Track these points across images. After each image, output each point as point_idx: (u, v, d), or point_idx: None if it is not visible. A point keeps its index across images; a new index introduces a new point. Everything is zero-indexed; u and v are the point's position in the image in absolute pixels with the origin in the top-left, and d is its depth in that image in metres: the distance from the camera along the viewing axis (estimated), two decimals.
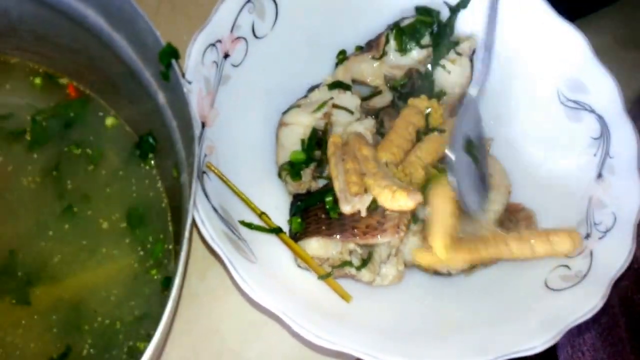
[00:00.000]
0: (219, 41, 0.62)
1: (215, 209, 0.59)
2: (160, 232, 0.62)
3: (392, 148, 0.63)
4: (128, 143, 0.65)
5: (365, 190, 0.60)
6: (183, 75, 0.53)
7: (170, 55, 0.53)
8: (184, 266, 0.49)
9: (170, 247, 0.61)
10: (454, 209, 0.61)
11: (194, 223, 0.55)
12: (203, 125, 0.61)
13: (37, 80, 0.66)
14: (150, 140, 0.62)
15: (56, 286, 0.59)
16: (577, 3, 0.78)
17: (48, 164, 0.63)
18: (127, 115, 0.65)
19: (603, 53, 0.64)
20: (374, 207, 0.60)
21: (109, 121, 0.65)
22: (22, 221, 0.61)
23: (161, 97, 0.57)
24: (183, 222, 0.50)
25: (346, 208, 0.59)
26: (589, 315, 0.55)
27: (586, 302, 0.56)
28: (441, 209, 0.61)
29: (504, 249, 0.60)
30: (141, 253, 0.61)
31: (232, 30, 0.63)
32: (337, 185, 0.60)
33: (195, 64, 0.59)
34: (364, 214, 0.59)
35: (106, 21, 0.57)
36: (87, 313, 0.59)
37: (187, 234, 0.49)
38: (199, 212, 0.55)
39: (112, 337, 0.58)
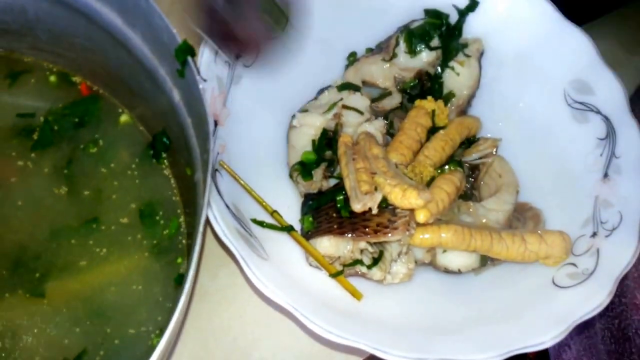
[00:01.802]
0: None
1: (228, 207, 0.59)
2: (173, 229, 0.62)
3: (401, 149, 0.64)
4: (141, 141, 0.65)
5: (376, 189, 0.61)
6: (198, 72, 0.54)
7: (186, 52, 0.53)
8: (197, 261, 0.49)
9: (184, 241, 0.62)
10: (453, 192, 0.62)
11: (207, 220, 0.56)
12: (215, 123, 0.62)
13: (52, 79, 0.67)
14: (164, 139, 0.63)
15: (70, 281, 0.60)
16: (582, 8, 0.79)
17: (60, 161, 0.64)
18: (140, 113, 0.66)
19: (608, 57, 0.66)
20: (384, 205, 0.61)
21: (123, 119, 0.66)
22: (34, 217, 0.61)
23: (176, 95, 0.58)
24: (197, 216, 0.50)
25: (357, 206, 0.60)
26: (597, 312, 0.56)
27: (593, 298, 0.57)
28: (440, 184, 0.62)
29: (497, 241, 0.61)
30: (154, 249, 0.61)
31: None
32: (348, 184, 0.61)
33: (207, 63, 0.60)
34: (375, 211, 0.60)
35: (121, 18, 0.57)
36: (100, 308, 0.59)
37: (201, 228, 0.49)
38: (212, 209, 0.56)
39: (125, 333, 0.59)
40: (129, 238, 0.62)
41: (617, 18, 0.84)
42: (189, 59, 0.53)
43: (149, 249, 0.61)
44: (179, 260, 0.61)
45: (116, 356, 0.57)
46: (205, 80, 0.58)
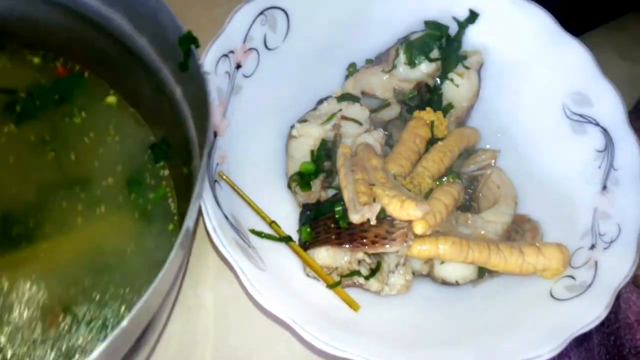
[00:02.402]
0: (232, 52, 0.63)
1: (226, 217, 0.59)
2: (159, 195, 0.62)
3: (400, 160, 0.64)
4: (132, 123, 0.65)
5: (374, 200, 0.61)
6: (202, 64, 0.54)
7: (189, 41, 0.54)
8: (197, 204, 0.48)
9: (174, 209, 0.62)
10: (452, 204, 0.62)
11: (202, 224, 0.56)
12: (215, 134, 0.62)
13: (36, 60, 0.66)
14: (164, 146, 0.63)
15: (60, 240, 0.60)
16: (581, 18, 0.79)
17: (45, 131, 0.63)
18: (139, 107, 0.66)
19: (607, 67, 0.66)
20: (382, 216, 0.61)
21: (110, 99, 0.66)
22: (23, 178, 0.61)
23: (178, 91, 0.58)
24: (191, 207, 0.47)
25: (355, 217, 0.60)
26: (594, 324, 0.56)
27: (590, 311, 0.57)
28: (439, 196, 0.62)
29: (495, 253, 0.61)
30: (141, 209, 0.61)
31: (244, 42, 0.64)
32: (347, 195, 0.61)
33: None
34: (373, 222, 0.60)
35: (129, 21, 0.58)
36: (91, 266, 0.59)
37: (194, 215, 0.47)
38: (211, 221, 0.56)
39: (112, 292, 0.58)
40: (120, 198, 0.61)
41: (616, 27, 0.84)
42: (193, 48, 0.53)
43: (138, 206, 0.61)
44: (171, 227, 0.61)
45: (105, 312, 0.57)
46: (209, 73, 0.58)
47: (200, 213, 0.57)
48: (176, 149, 0.60)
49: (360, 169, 0.63)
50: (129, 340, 0.45)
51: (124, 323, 0.40)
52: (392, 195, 0.60)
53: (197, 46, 0.54)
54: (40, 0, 0.61)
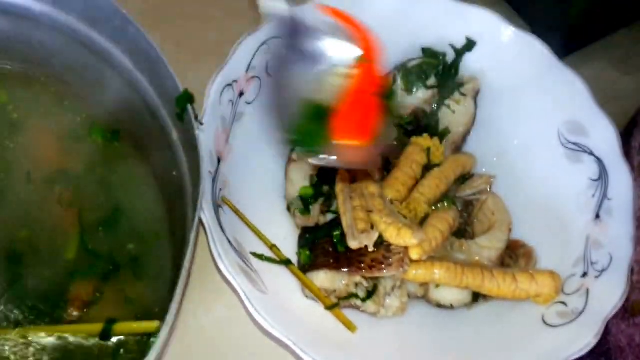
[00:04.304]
0: (235, 81, 0.65)
1: (230, 242, 0.61)
2: None
3: (397, 185, 0.66)
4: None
5: (372, 227, 0.63)
6: (196, 117, 0.57)
7: (186, 100, 0.57)
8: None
9: None
10: (447, 230, 0.64)
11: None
12: (219, 160, 0.64)
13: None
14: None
15: None
16: (577, 34, 0.80)
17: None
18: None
19: (603, 81, 0.67)
20: (379, 241, 0.63)
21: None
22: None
23: (175, 134, 0.61)
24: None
25: (354, 244, 0.62)
26: (584, 352, 0.58)
27: (581, 339, 0.58)
28: (434, 223, 0.64)
29: (489, 279, 0.62)
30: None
31: (247, 70, 0.66)
32: (345, 222, 0.63)
33: (213, 104, 0.62)
34: (371, 249, 0.62)
35: (132, 62, 0.61)
36: None
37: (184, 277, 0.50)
38: (217, 247, 0.58)
39: None
40: None
41: (610, 43, 0.85)
42: (188, 107, 0.56)
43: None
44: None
45: None
46: (202, 124, 0.60)
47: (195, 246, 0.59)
48: (173, 189, 0.62)
49: (358, 196, 0.64)
50: None
51: None
52: (390, 223, 0.61)
53: (193, 103, 0.56)
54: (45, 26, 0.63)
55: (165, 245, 0.63)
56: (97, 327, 0.57)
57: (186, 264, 0.50)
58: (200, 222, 0.59)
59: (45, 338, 0.57)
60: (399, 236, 0.61)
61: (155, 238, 0.63)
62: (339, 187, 0.66)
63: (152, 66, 0.58)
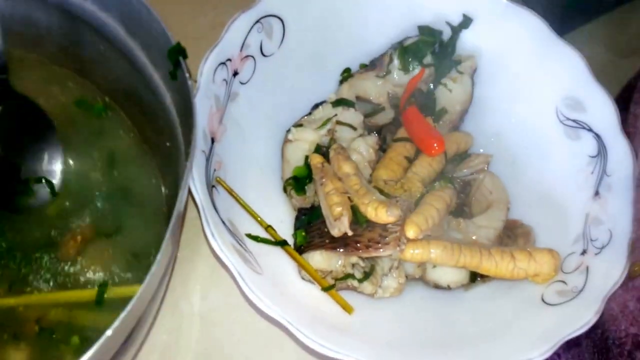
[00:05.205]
0: (229, 60, 0.64)
1: (224, 223, 0.61)
2: None
3: (391, 165, 0.65)
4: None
5: (353, 209, 0.62)
6: (188, 72, 0.56)
7: (178, 53, 0.55)
8: None
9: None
10: (443, 208, 0.63)
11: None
12: (212, 140, 0.63)
13: None
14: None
15: None
16: (571, 14, 0.79)
17: None
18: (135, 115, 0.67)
19: (599, 62, 0.66)
20: (364, 221, 0.62)
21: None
22: None
23: (168, 98, 0.60)
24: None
25: (334, 231, 0.61)
26: (584, 329, 0.57)
27: (581, 317, 0.57)
28: (431, 200, 0.63)
29: (486, 258, 0.61)
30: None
31: (241, 49, 0.65)
32: (323, 211, 0.63)
33: (206, 82, 0.62)
34: (350, 233, 0.61)
35: (123, 28, 0.60)
36: None
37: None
38: (210, 226, 0.57)
39: None
40: None
41: (606, 22, 0.84)
42: (181, 60, 0.55)
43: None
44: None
45: None
46: (195, 81, 0.59)
47: (183, 219, 0.58)
48: (166, 155, 0.61)
49: (330, 179, 0.63)
50: (114, 346, 0.46)
51: (109, 332, 0.42)
52: (367, 203, 0.61)
53: (186, 57, 0.55)
54: (39, 2, 0.63)
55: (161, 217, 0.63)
56: (91, 293, 0.57)
57: (176, 213, 0.49)
58: (194, 200, 0.58)
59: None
60: (377, 216, 0.60)
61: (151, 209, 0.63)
62: (313, 173, 0.65)
63: (144, 26, 0.57)
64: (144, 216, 0.63)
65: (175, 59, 0.55)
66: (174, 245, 0.54)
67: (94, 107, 0.67)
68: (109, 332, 0.41)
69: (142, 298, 0.45)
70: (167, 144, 0.59)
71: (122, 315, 0.42)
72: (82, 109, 0.67)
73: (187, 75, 0.54)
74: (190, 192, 0.58)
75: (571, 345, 0.63)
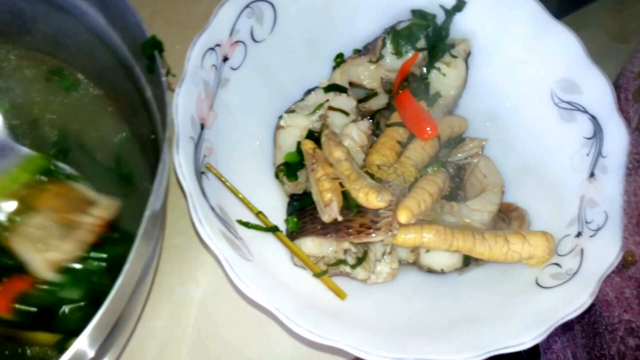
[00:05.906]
0: (218, 45, 0.64)
1: (213, 209, 0.60)
2: None
3: (383, 150, 0.65)
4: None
5: (343, 195, 0.61)
6: (168, 71, 0.55)
7: (153, 46, 0.54)
8: None
9: None
10: (436, 192, 0.62)
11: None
12: (202, 126, 0.63)
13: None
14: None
15: None
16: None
17: None
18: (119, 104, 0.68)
19: (593, 46, 0.65)
20: (355, 206, 0.61)
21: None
22: None
23: (148, 91, 0.59)
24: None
25: (324, 217, 0.61)
26: (578, 312, 0.56)
27: (575, 299, 0.57)
28: (424, 185, 0.62)
29: (479, 241, 0.61)
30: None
31: (231, 35, 0.65)
32: (314, 197, 0.62)
33: (194, 67, 0.61)
34: (340, 218, 0.61)
35: (104, 18, 0.59)
36: None
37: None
38: (197, 212, 0.57)
39: None
40: None
41: (602, 7, 0.82)
42: (156, 54, 0.54)
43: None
44: None
45: None
46: (174, 76, 0.58)
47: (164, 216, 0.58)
48: (148, 146, 0.61)
49: (321, 165, 0.63)
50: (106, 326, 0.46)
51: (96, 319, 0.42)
52: (358, 188, 0.60)
53: (162, 51, 0.54)
54: None
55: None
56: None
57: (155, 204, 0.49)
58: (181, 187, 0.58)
59: None
60: (368, 201, 0.59)
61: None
62: (305, 159, 0.64)
63: (120, 17, 0.56)
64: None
65: (150, 52, 0.54)
66: (149, 246, 0.53)
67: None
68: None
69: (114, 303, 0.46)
70: (152, 136, 0.58)
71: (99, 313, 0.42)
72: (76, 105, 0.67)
73: (161, 70, 0.53)
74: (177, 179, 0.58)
75: (565, 329, 0.62)
